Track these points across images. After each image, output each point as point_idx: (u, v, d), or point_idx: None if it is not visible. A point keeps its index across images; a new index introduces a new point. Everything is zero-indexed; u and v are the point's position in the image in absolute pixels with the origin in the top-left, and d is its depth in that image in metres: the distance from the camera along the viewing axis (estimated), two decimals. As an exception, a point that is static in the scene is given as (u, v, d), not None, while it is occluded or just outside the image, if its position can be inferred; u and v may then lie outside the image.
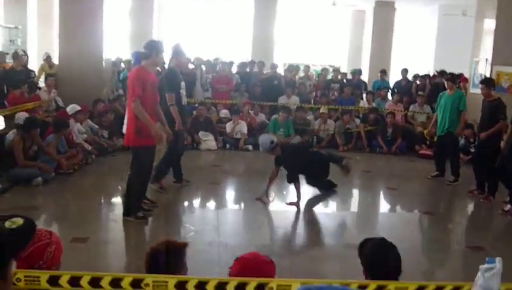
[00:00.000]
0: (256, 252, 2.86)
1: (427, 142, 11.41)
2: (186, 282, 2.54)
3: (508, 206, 7.21)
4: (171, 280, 2.53)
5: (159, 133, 6.00)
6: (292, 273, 4.07)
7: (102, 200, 7.33)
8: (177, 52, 7.43)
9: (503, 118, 7.82)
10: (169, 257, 2.72)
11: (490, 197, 7.83)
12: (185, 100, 7.53)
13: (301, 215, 6.98)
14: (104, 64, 11.62)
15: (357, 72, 14.78)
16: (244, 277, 2.59)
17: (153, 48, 6.04)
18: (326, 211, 7.50)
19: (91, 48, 11.08)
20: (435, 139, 10.47)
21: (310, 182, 7.71)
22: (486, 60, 10.79)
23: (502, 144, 7.55)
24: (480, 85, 8.31)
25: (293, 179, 7.15)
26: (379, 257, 2.86)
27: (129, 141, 6.07)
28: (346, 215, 7.50)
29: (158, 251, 2.75)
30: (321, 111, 12.24)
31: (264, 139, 7.52)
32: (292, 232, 6.55)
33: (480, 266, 1.88)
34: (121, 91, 12.11)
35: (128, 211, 6.11)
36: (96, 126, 10.06)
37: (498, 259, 1.87)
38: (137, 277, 2.56)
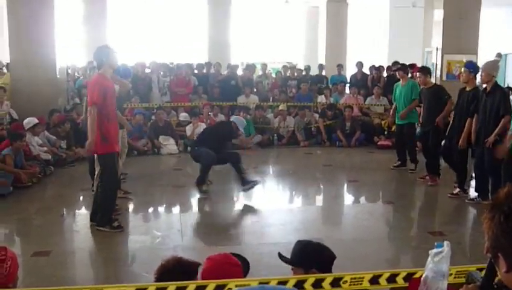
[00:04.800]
0: (227, 254, 2.84)
1: (385, 133, 11.63)
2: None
3: (457, 189, 7.47)
4: (151, 287, 2.47)
5: (92, 146, 5.85)
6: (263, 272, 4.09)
7: (64, 212, 7.21)
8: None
9: (449, 97, 8.13)
10: (179, 276, 2.58)
11: (436, 178, 8.16)
12: None
13: (265, 213, 7.00)
14: (58, 73, 11.39)
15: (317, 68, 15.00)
16: (210, 277, 2.58)
17: (101, 55, 5.98)
18: (291, 207, 7.57)
19: (44, 57, 10.79)
20: (393, 128, 10.69)
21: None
22: (437, 49, 11.04)
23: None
24: (417, 74, 8.56)
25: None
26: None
27: (96, 149, 5.95)
28: (310, 209, 7.57)
29: (167, 268, 2.65)
30: (280, 108, 12.33)
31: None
32: (257, 231, 6.52)
33: (430, 251, 1.95)
34: (77, 100, 11.92)
35: (102, 221, 6.00)
36: (54, 137, 9.88)
37: (446, 243, 1.94)
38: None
